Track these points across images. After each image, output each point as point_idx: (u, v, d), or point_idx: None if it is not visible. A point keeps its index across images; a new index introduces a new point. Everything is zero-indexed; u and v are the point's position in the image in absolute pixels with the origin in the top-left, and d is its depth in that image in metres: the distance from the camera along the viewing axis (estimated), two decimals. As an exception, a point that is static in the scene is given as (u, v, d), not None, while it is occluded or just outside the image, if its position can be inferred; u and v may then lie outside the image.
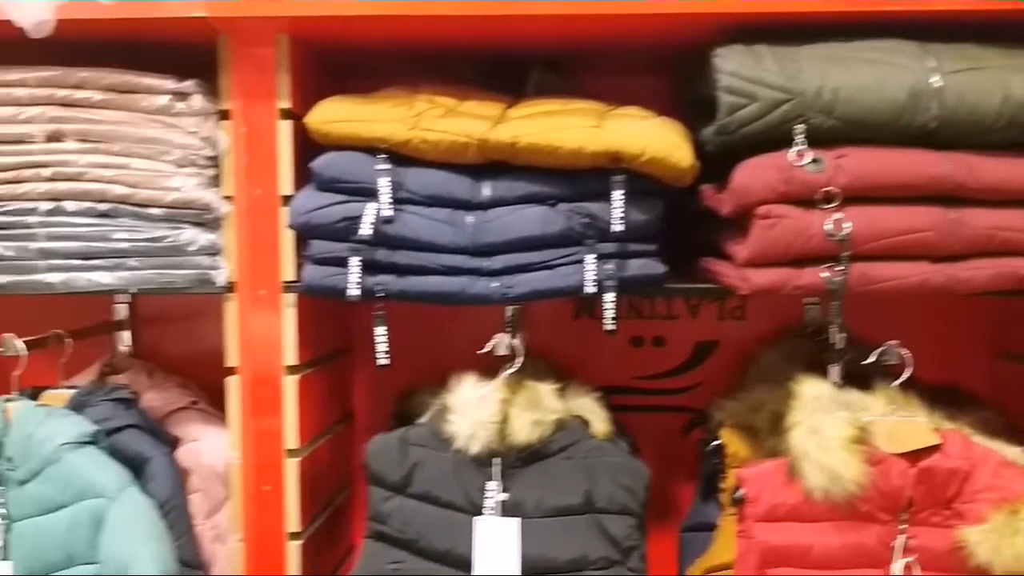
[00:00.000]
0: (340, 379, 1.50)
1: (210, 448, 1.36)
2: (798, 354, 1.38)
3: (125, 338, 1.54)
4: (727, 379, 1.47)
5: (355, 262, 1.13)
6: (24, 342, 1.24)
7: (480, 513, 1.14)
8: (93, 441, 1.17)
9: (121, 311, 1.54)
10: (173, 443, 1.33)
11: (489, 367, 1.26)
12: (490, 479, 1.15)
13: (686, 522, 1.38)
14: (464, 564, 1.14)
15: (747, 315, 1.51)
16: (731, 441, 1.28)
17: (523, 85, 1.32)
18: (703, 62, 1.14)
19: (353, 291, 1.13)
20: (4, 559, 1.17)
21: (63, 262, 1.20)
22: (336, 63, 1.37)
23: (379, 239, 1.13)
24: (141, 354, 1.54)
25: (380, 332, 1.16)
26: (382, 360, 1.16)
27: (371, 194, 1.13)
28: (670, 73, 1.37)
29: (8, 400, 1.23)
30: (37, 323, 1.54)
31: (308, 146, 1.20)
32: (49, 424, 1.18)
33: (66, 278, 1.20)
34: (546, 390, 1.17)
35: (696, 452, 1.39)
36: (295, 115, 1.20)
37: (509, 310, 1.41)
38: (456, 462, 1.16)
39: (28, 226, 1.19)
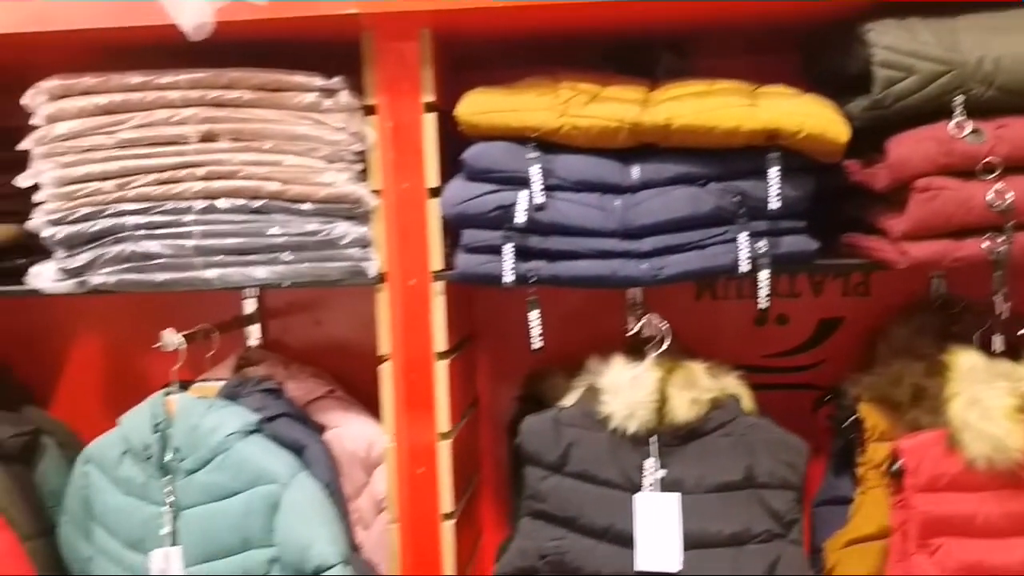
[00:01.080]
0: (470, 365, 1.54)
1: (351, 435, 1.40)
2: (927, 328, 1.39)
3: (255, 332, 1.59)
4: (852, 355, 1.47)
5: (509, 249, 1.15)
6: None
7: (638, 490, 1.17)
8: (258, 430, 1.21)
9: (250, 305, 1.59)
10: (319, 431, 1.37)
11: (607, 348, 1.30)
12: (647, 457, 1.17)
13: (819, 497, 1.39)
14: (625, 540, 1.17)
15: (871, 291, 1.51)
16: (869, 415, 1.29)
17: (651, 69, 1.33)
18: (843, 38, 1.15)
19: (508, 277, 1.15)
20: (173, 544, 1.22)
21: (219, 258, 1.24)
22: (467, 55, 1.39)
23: (531, 226, 1.15)
24: (268, 347, 1.59)
25: (534, 316, 1.18)
26: (536, 344, 1.18)
27: (522, 182, 1.15)
28: (796, 51, 1.37)
29: (167, 393, 1.28)
30: (158, 321, 1.62)
31: (448, 138, 1.23)
32: (213, 415, 1.22)
33: (222, 273, 1.24)
34: (699, 369, 1.19)
35: (826, 428, 1.41)
36: (438, 108, 1.23)
37: (632, 293, 1.44)
38: (611, 441, 1.18)
39: (184, 224, 1.23)
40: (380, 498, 1.41)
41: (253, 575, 1.16)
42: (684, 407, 1.15)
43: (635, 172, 1.15)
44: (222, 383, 1.34)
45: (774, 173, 1.10)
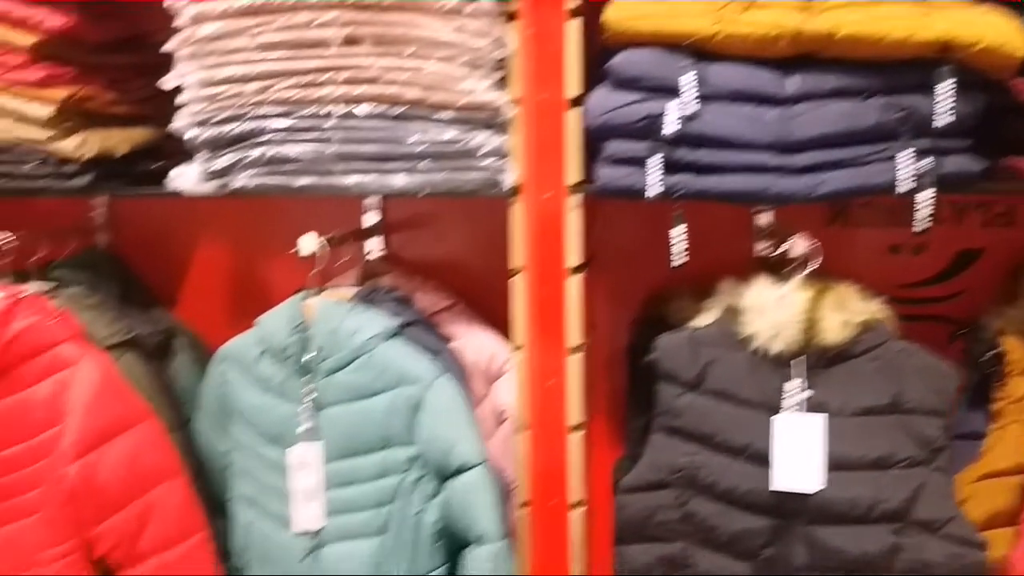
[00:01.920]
0: (590, 285, 1.53)
1: (473, 347, 1.42)
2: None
3: (377, 244, 1.60)
4: (991, 288, 1.42)
5: (656, 161, 1.12)
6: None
7: (777, 411, 1.16)
8: (398, 333, 1.23)
9: (371, 218, 1.60)
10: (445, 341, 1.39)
11: (732, 270, 1.27)
12: (789, 379, 1.15)
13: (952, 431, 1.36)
14: (761, 459, 1.16)
15: (1016, 221, 1.44)
16: (1013, 348, 1.25)
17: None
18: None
19: (653, 191, 1.13)
20: (312, 441, 1.26)
21: (357, 164, 1.24)
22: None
23: (680, 137, 1.12)
24: (388, 261, 1.61)
25: (678, 232, 1.16)
26: (679, 260, 1.16)
27: (672, 91, 1.11)
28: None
29: (305, 297, 1.30)
30: (273, 229, 1.64)
31: (590, 47, 1.20)
32: (353, 318, 1.25)
33: (360, 180, 1.25)
34: (851, 291, 1.15)
35: (960, 361, 1.37)
36: (582, 14, 1.20)
37: (762, 217, 1.41)
38: (752, 361, 1.17)
39: (323, 129, 1.24)
40: (501, 410, 1.43)
41: (393, 472, 1.19)
42: (835, 329, 1.12)
43: (793, 83, 1.10)
44: (353, 291, 1.36)
45: (945, 88, 1.04)
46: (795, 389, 1.14)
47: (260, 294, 1.68)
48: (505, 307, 1.39)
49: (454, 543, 1.20)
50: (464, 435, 1.15)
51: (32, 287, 1.36)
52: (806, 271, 1.17)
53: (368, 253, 1.58)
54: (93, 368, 1.29)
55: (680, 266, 1.17)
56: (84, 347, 1.31)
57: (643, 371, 1.29)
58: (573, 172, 1.22)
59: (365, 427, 1.21)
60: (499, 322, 1.48)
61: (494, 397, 1.44)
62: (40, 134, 1.30)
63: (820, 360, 1.15)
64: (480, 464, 1.14)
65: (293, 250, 1.30)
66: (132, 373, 1.36)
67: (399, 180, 1.23)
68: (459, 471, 1.14)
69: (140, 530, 1.27)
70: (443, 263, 1.59)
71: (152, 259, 1.70)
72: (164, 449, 1.31)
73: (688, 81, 1.10)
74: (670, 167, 1.13)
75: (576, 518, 1.30)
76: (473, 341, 1.43)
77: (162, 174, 1.39)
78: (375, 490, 1.21)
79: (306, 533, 1.27)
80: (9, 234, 1.39)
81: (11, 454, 1.29)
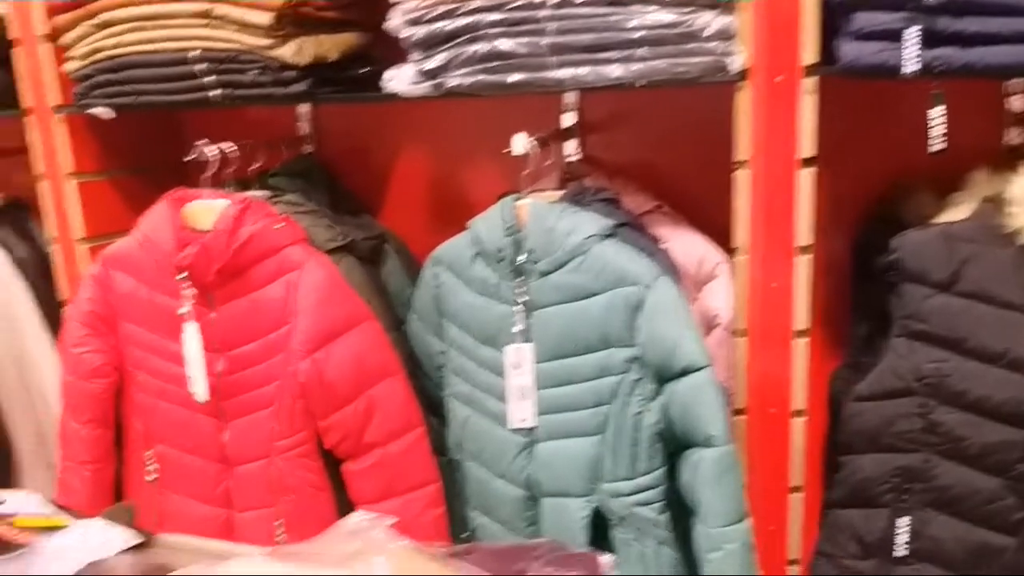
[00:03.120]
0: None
1: (681, 250, 1.36)
2: None
3: (575, 145, 1.56)
4: None
5: (913, 33, 1.00)
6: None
7: (1047, 313, 1.04)
8: (613, 234, 1.20)
9: (569, 119, 1.56)
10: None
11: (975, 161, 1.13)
12: (1062, 277, 1.03)
13: None
14: (1022, 367, 1.05)
15: None
16: None
17: None
18: None
19: (910, 67, 1.01)
20: (525, 341, 1.27)
21: (573, 56, 1.19)
22: None
23: (941, 5, 0.99)
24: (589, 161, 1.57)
25: (938, 113, 1.04)
26: (937, 145, 1.05)
27: (934, -49, 0.98)
28: None
29: (516, 199, 1.29)
30: (468, 131, 1.63)
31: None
32: (567, 219, 1.22)
33: (575, 73, 1.20)
34: None
35: None
36: None
37: (1017, 101, 1.24)
38: (1017, 259, 1.05)
39: (538, 21, 1.19)
40: (712, 314, 1.38)
41: (610, 373, 1.18)
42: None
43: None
44: (560, 193, 1.33)
45: None
46: (1071, 289, 1.02)
47: (460, 198, 1.70)
48: (712, 208, 1.32)
49: (672, 445, 1.18)
50: (688, 336, 1.11)
51: (256, 195, 1.43)
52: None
53: (568, 155, 1.54)
54: (319, 271, 1.34)
55: (938, 152, 1.05)
56: (308, 251, 1.36)
57: (873, 273, 1.20)
58: (809, 52, 1.11)
59: (581, 328, 1.19)
60: (705, 224, 1.42)
61: (704, 301, 1.39)
62: (260, 41, 1.33)
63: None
64: (706, 366, 1.10)
65: (505, 150, 1.28)
66: (351, 276, 1.41)
67: (616, 70, 1.17)
68: (684, 372, 1.11)
69: (365, 424, 1.33)
70: (643, 163, 1.53)
71: (355, 166, 1.74)
72: (385, 348, 1.36)
73: (955, -63, 0.97)
74: (929, 39, 1.01)
75: (797, 428, 1.24)
76: (680, 244, 1.37)
77: (370, 79, 1.41)
78: (592, 390, 1.20)
79: (520, 430, 1.29)
80: (232, 144, 1.46)
81: (249, 350, 1.37)
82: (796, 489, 1.26)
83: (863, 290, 1.35)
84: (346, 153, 1.75)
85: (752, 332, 1.23)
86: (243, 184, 1.51)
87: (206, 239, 1.34)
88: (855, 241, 1.36)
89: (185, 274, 1.34)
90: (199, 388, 1.39)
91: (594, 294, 1.17)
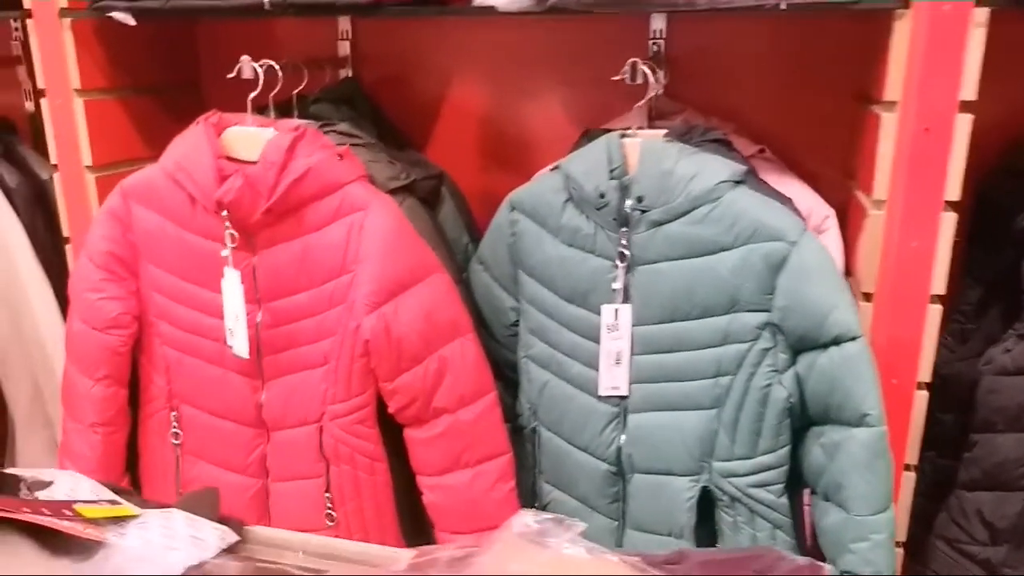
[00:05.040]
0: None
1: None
2: None
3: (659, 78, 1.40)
4: None
5: None
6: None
7: None
8: (743, 180, 1.05)
9: (656, 46, 1.40)
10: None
11: None
12: None
13: None
14: None
15: None
16: None
17: None
18: None
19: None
20: (623, 302, 1.12)
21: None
22: None
23: None
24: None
25: None
26: None
27: None
28: None
29: (623, 136, 1.13)
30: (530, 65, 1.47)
31: None
32: (690, 161, 1.07)
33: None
34: None
35: None
36: None
37: None
38: None
39: (665, -72, 1.02)
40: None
41: (737, 340, 1.04)
42: None
43: None
44: (661, 131, 1.18)
45: None
46: None
47: (517, 134, 1.53)
48: (812, 155, 1.19)
49: (799, 422, 1.05)
50: (842, 302, 0.98)
51: (306, 123, 1.24)
52: None
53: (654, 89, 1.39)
54: (386, 214, 1.16)
55: None
56: (372, 190, 1.19)
57: (995, 232, 1.08)
58: (983, -22, 0.98)
59: (702, 287, 1.05)
60: (805, 173, 1.30)
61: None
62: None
63: None
64: (861, 336, 0.97)
65: (618, 76, 1.11)
66: (413, 221, 1.24)
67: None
68: (835, 342, 0.98)
69: (435, 387, 1.18)
70: (732, 102, 1.38)
71: (395, 94, 1.56)
72: (456, 303, 1.20)
73: None
74: None
75: (920, 401, 1.13)
76: (788, 192, 1.24)
77: None
78: (710, 359, 1.06)
79: (610, 399, 1.16)
80: (271, 62, 1.26)
81: (297, 301, 1.20)
82: (909, 468, 1.16)
83: (979, 250, 1.23)
84: (386, 79, 1.56)
85: (881, 296, 1.10)
86: (283, 110, 1.32)
87: (252, 171, 1.15)
88: (976, 195, 1.24)
89: (226, 212, 1.16)
90: (239, 343, 1.21)
91: (723, 249, 1.03)
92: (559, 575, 0.55)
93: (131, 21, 1.27)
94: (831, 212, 1.24)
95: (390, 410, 1.20)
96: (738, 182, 1.03)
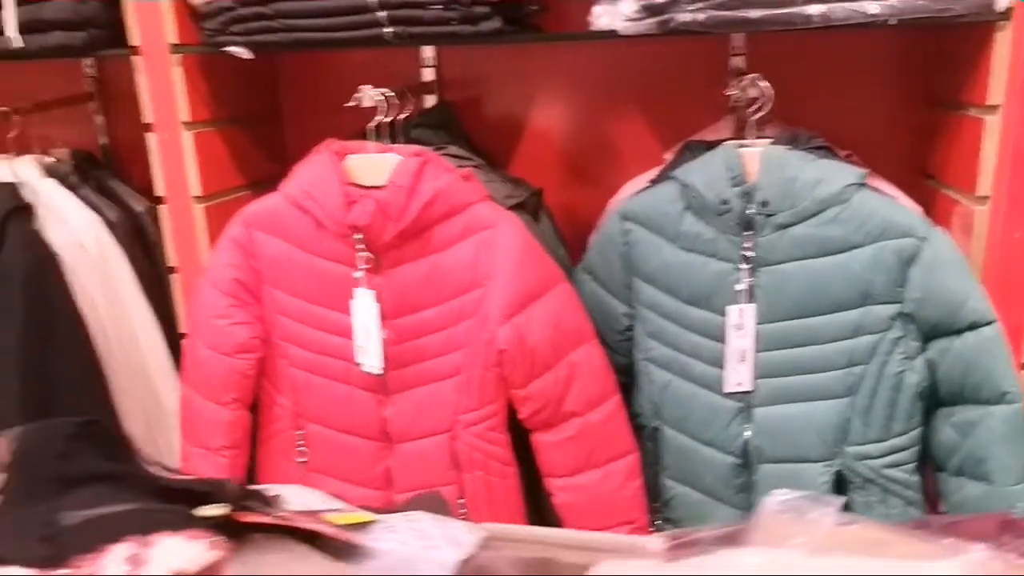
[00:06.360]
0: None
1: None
2: None
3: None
4: None
5: None
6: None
7: None
8: (865, 183, 1.13)
9: (737, 61, 1.47)
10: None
11: None
12: None
13: None
14: None
15: None
16: None
17: None
18: None
19: None
20: (748, 302, 1.19)
21: (826, -9, 1.11)
22: None
23: None
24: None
25: None
26: None
27: None
28: None
29: (740, 146, 1.20)
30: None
31: None
32: (812, 167, 1.14)
33: (826, 10, 1.11)
34: None
35: None
36: None
37: None
38: None
39: (782, -49, 1.10)
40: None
41: (869, 331, 1.11)
42: None
43: None
44: (767, 140, 1.25)
45: None
46: None
47: (598, 151, 1.60)
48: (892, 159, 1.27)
49: (930, 403, 1.13)
50: (975, 290, 1.06)
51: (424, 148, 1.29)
52: None
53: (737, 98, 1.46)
54: (514, 230, 1.22)
55: None
56: (497, 209, 1.24)
57: None
58: (1076, -9, 1.07)
59: (833, 284, 1.12)
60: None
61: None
62: (451, -28, 1.19)
63: None
64: (995, 320, 1.05)
65: (731, 91, 1.19)
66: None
67: (873, 7, 1.09)
68: (972, 327, 1.05)
69: (565, 392, 1.23)
70: (809, 109, 1.46)
71: (477, 116, 1.62)
72: (580, 311, 1.26)
73: None
74: None
75: None
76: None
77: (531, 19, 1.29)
78: (843, 350, 1.13)
79: (734, 395, 1.22)
80: (386, 90, 1.31)
81: (424, 317, 1.25)
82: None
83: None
84: (467, 102, 1.61)
85: (986, 284, 1.18)
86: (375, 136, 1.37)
87: (381, 195, 1.20)
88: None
89: (360, 235, 1.21)
90: (372, 360, 1.26)
91: (855, 247, 1.10)
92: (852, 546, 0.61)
93: (248, 55, 1.31)
94: (919, 209, 1.32)
95: (521, 416, 1.25)
96: (862, 185, 1.11)
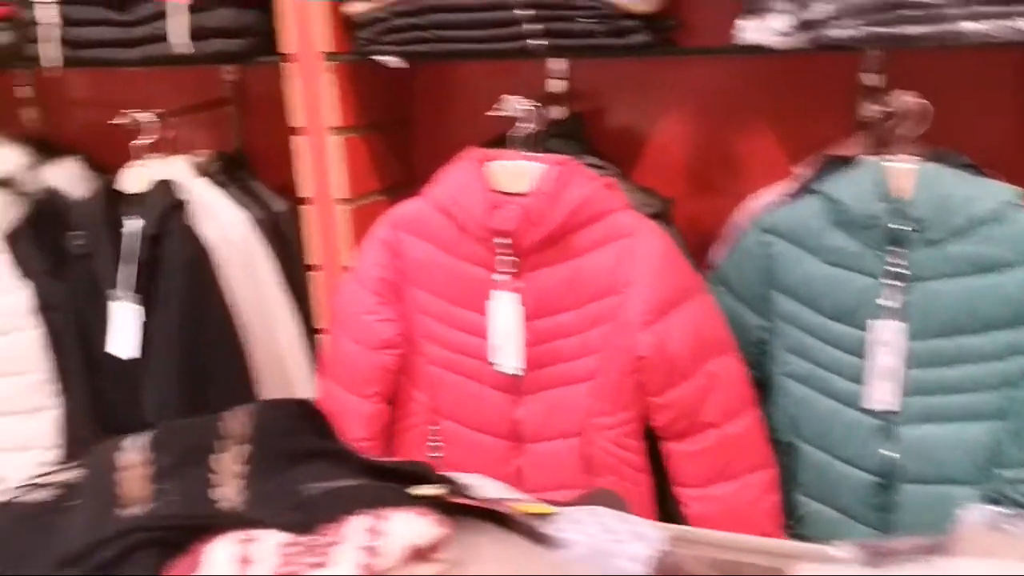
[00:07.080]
0: None
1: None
2: None
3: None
4: None
5: None
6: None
7: None
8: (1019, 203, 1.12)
9: (870, 78, 1.47)
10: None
11: None
12: None
13: None
14: None
15: None
16: None
17: None
18: None
19: None
20: (901, 320, 1.18)
21: (981, 8, 1.10)
22: None
23: None
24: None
25: None
26: None
27: None
28: None
29: (890, 164, 1.20)
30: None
31: None
32: (966, 185, 1.14)
33: (983, 27, 1.10)
34: None
35: None
36: None
37: None
38: None
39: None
40: None
41: (1021, 352, 1.10)
42: None
43: None
44: (913, 157, 1.24)
45: None
46: None
47: (723, 164, 1.61)
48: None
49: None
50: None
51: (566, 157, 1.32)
52: None
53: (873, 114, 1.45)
54: (655, 238, 1.24)
55: None
56: (638, 217, 1.27)
57: None
58: None
59: (985, 303, 1.11)
60: None
61: None
62: (603, -15, 1.23)
63: None
64: None
65: (884, 108, 1.19)
66: (668, 243, 1.32)
67: (1026, 23, 1.09)
68: None
69: (702, 401, 1.25)
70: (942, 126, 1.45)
71: (601, 128, 1.64)
72: (719, 321, 1.28)
73: None
74: None
75: None
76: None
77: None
78: (995, 372, 1.12)
79: (876, 412, 1.21)
80: (529, 101, 1.35)
81: (562, 320, 1.28)
82: None
83: None
84: (593, 114, 1.64)
85: None
86: (494, 145, 1.40)
87: (526, 202, 1.24)
88: None
89: (507, 240, 1.24)
90: (510, 360, 1.29)
91: (1009, 266, 1.09)
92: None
93: (401, 64, 1.37)
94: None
95: (656, 424, 1.27)
96: (1017, 203, 1.10)
